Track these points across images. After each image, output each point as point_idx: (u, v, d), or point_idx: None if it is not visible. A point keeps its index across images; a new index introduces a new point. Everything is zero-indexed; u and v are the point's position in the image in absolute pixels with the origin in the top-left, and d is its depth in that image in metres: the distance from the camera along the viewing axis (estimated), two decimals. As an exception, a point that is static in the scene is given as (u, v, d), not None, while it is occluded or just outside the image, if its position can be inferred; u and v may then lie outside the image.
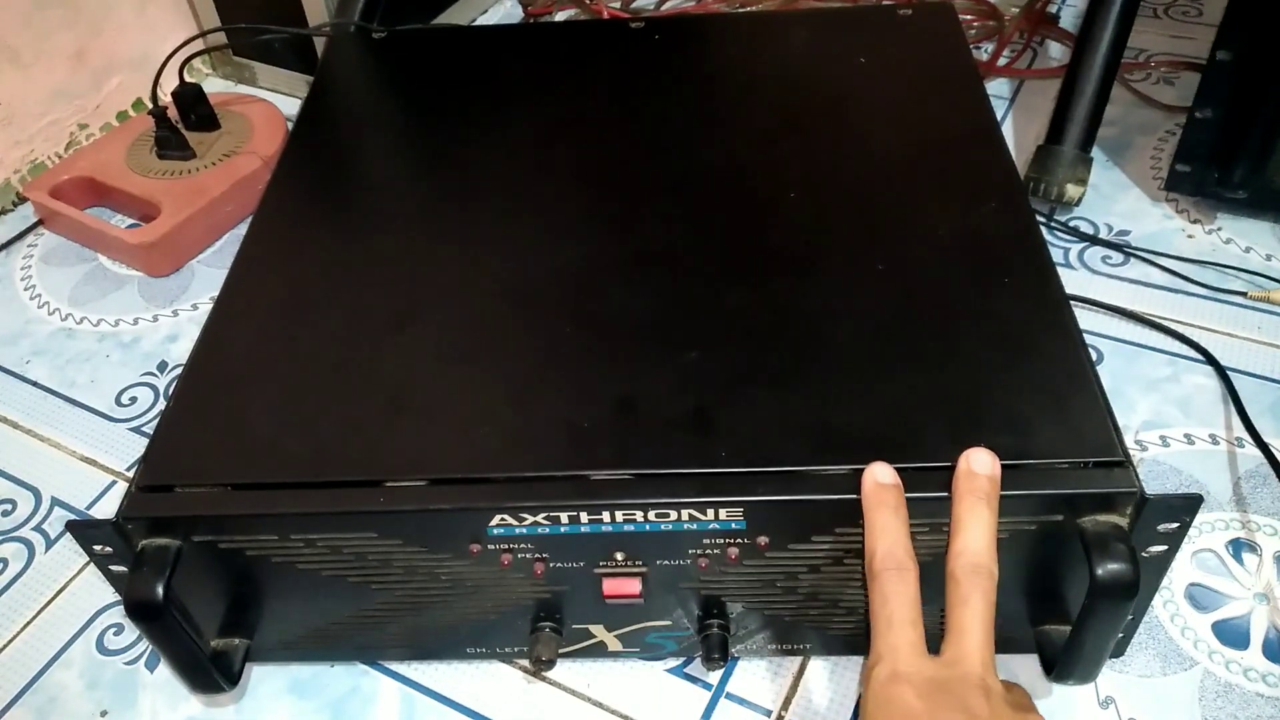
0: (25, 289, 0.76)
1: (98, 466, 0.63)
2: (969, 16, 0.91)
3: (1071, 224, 0.71)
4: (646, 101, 0.64)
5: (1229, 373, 0.60)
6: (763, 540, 0.42)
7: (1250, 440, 0.56)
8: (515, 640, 0.48)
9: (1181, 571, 0.52)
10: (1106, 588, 0.39)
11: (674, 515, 0.41)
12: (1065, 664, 0.44)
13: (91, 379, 0.68)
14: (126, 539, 0.42)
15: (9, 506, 0.61)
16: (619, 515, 0.41)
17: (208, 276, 0.75)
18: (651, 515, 0.41)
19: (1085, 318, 0.63)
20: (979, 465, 0.40)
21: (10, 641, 0.54)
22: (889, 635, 0.39)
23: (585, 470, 0.42)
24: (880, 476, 0.40)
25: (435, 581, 0.45)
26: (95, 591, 0.56)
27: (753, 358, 0.46)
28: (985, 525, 0.39)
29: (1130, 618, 0.45)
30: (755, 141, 0.59)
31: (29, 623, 0.55)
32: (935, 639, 0.42)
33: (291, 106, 0.87)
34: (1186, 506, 0.40)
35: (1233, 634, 0.49)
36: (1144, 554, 0.42)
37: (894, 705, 0.37)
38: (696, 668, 0.50)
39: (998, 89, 0.84)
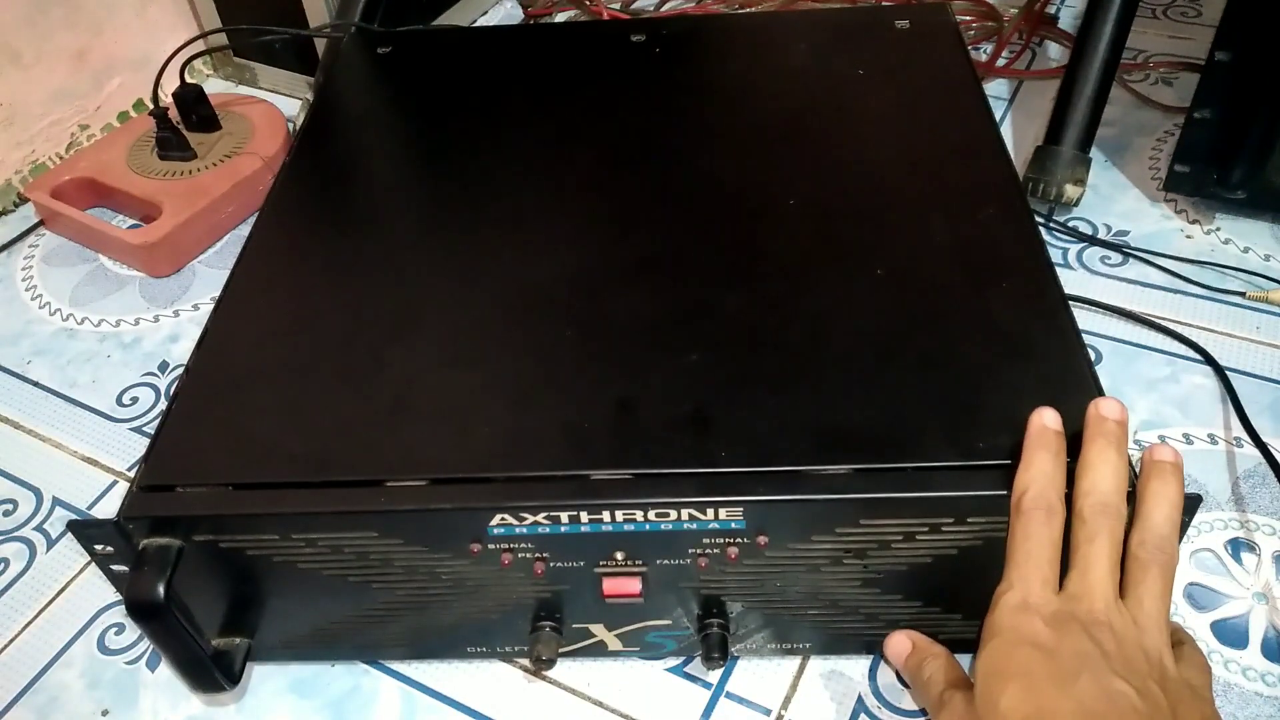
0: (26, 289, 0.76)
1: (99, 466, 0.63)
2: (968, 17, 0.91)
3: (1070, 224, 0.71)
4: (648, 106, 0.64)
5: (1227, 373, 0.60)
6: (762, 540, 0.42)
7: (1249, 440, 0.56)
8: (515, 639, 0.49)
9: (1180, 571, 0.52)
10: (1105, 587, 0.39)
11: (674, 515, 0.41)
12: (1064, 663, 0.44)
13: (93, 379, 0.68)
14: (128, 538, 0.43)
15: (10, 506, 0.61)
16: (619, 515, 0.42)
17: (209, 277, 0.75)
18: (651, 515, 0.41)
19: (1084, 318, 0.63)
20: (1108, 410, 0.41)
21: (11, 641, 0.54)
22: (1025, 567, 0.39)
23: (585, 470, 0.42)
24: (1048, 420, 0.41)
25: (436, 581, 0.45)
26: (96, 591, 0.56)
27: (753, 359, 0.46)
28: (1114, 467, 0.39)
29: (1129, 617, 0.45)
30: (755, 147, 0.60)
31: (30, 622, 0.55)
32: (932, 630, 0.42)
33: (292, 107, 0.88)
34: (1185, 506, 0.40)
35: (1232, 633, 0.50)
36: (1142, 553, 0.42)
37: (1021, 631, 0.38)
38: (696, 667, 0.50)
39: (996, 89, 0.84)
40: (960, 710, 0.41)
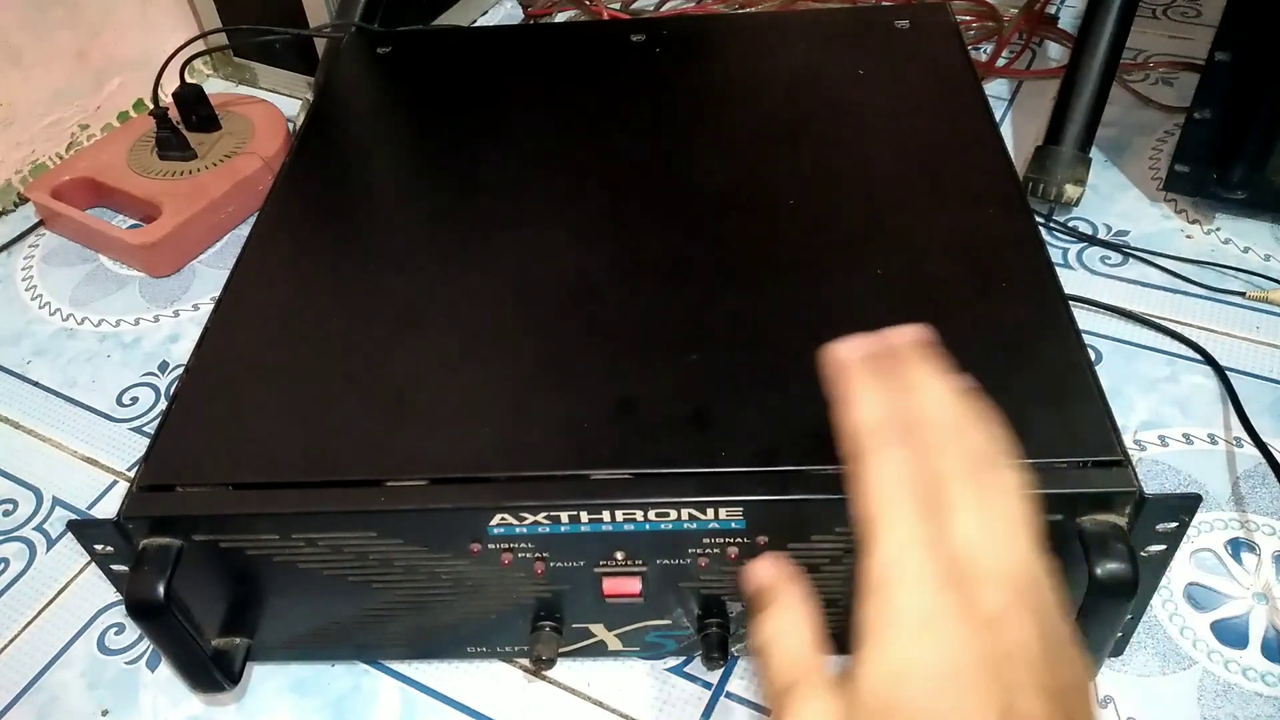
0: (26, 289, 0.76)
1: (99, 466, 0.63)
2: (968, 17, 0.91)
3: (1070, 224, 0.71)
4: (648, 106, 0.64)
5: (1227, 373, 0.60)
6: (762, 540, 0.42)
7: (1249, 440, 0.56)
8: (515, 639, 0.49)
9: (1180, 571, 0.52)
10: (1105, 587, 0.39)
11: (674, 515, 0.41)
12: (1064, 663, 0.44)
13: (93, 379, 0.68)
14: (127, 538, 0.43)
15: (10, 506, 0.61)
16: (619, 515, 0.42)
17: (209, 277, 0.75)
18: (651, 515, 0.41)
19: (1084, 318, 0.63)
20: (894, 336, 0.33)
21: (11, 641, 0.54)
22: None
23: (585, 470, 0.42)
24: (845, 353, 0.33)
25: (436, 581, 0.45)
26: (96, 591, 0.56)
27: (753, 359, 0.46)
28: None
29: (1129, 617, 0.45)
30: (755, 147, 0.60)
31: (30, 622, 0.55)
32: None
33: (292, 107, 0.88)
34: (1185, 506, 0.40)
35: (1232, 633, 0.50)
36: (1143, 553, 0.42)
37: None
38: (696, 667, 0.50)
39: (997, 89, 0.84)
40: None
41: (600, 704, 0.49)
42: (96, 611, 0.55)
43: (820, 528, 0.42)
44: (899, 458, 0.30)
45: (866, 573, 0.29)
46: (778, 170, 0.57)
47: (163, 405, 0.66)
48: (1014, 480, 0.31)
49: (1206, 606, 0.51)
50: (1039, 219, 0.70)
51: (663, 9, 0.99)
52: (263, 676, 0.51)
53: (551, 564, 0.44)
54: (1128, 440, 0.57)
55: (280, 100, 0.89)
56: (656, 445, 0.43)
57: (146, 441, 0.53)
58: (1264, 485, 0.55)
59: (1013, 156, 0.58)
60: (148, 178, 0.78)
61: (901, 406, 0.31)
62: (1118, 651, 0.49)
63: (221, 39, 0.92)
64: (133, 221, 0.80)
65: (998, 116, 0.78)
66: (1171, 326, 0.63)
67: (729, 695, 0.49)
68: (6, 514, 0.61)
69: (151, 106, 0.78)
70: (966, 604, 0.28)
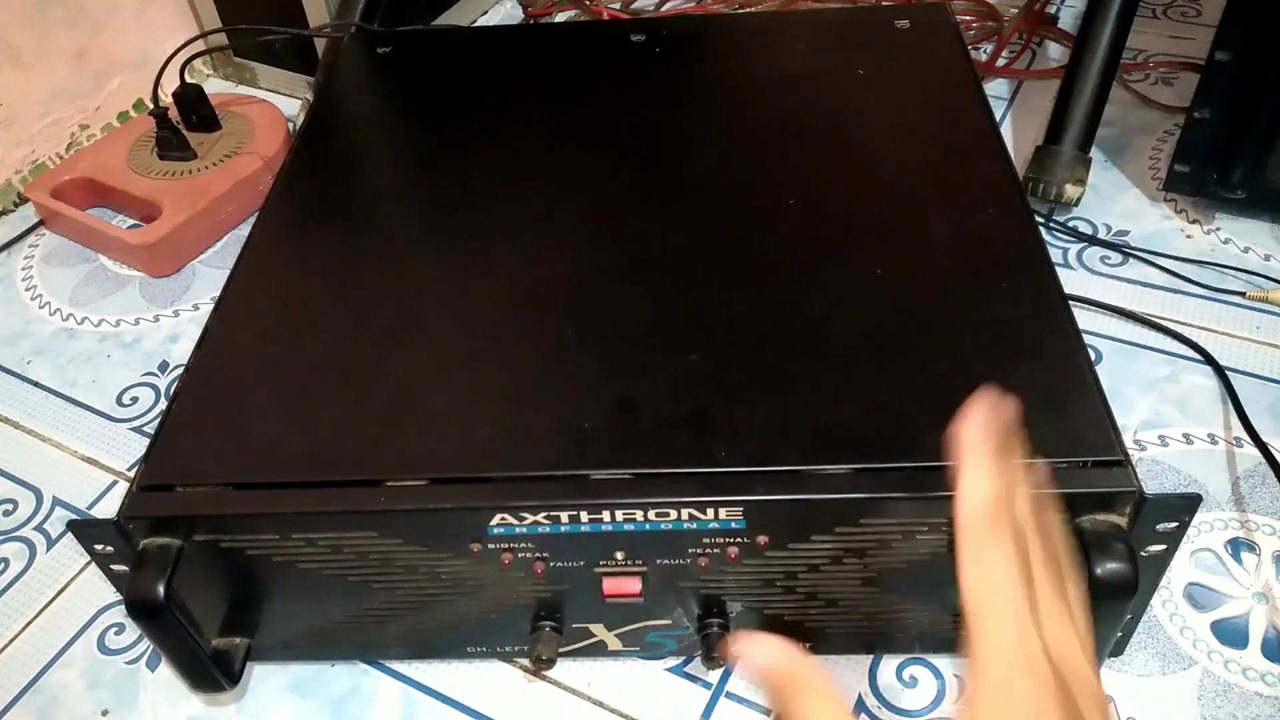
0: (26, 289, 0.76)
1: (99, 466, 0.63)
2: (968, 17, 0.91)
3: (1070, 224, 0.71)
4: (648, 107, 0.64)
5: (1227, 372, 0.60)
6: (762, 540, 0.42)
7: (1249, 440, 0.56)
8: (515, 639, 0.49)
9: (1180, 571, 0.52)
10: (1105, 587, 0.39)
11: (674, 515, 0.41)
12: (1064, 663, 0.44)
13: (93, 379, 0.68)
14: (128, 538, 0.43)
15: (10, 506, 0.61)
16: (619, 515, 0.42)
17: (209, 277, 0.75)
18: (651, 515, 0.41)
19: (1084, 318, 0.63)
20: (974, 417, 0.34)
21: (11, 641, 0.54)
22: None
23: (585, 470, 0.42)
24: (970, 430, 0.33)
25: (435, 581, 0.45)
26: (96, 591, 0.56)
27: (753, 359, 0.46)
28: (984, 469, 0.32)
29: (1129, 617, 0.45)
30: (756, 147, 0.60)
31: (30, 622, 0.55)
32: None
33: (292, 107, 0.88)
34: (1185, 506, 0.40)
35: (1232, 633, 0.50)
36: (1143, 553, 0.42)
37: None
38: (696, 667, 0.50)
39: (996, 89, 0.84)
40: None
41: (600, 704, 0.49)
42: (96, 611, 0.55)
43: (820, 528, 0.42)
44: (1009, 554, 0.31)
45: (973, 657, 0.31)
46: (777, 170, 0.57)
47: (163, 405, 0.66)
48: (1083, 593, 0.34)
49: (1206, 606, 0.51)
50: (1039, 219, 0.70)
51: (663, 9, 0.99)
52: (263, 676, 0.51)
53: (551, 564, 0.44)
54: (1128, 440, 0.57)
55: (280, 100, 0.89)
56: (656, 445, 0.43)
57: (146, 441, 0.53)
58: (1264, 485, 0.55)
59: (1013, 156, 0.58)
60: (148, 178, 0.78)
61: (1008, 498, 0.33)
62: (1118, 651, 0.49)
63: (221, 39, 0.92)
64: (133, 221, 0.80)
65: (998, 116, 0.78)
66: (1171, 326, 0.63)
67: (729, 695, 0.49)
68: (6, 514, 0.61)
69: (151, 106, 0.78)
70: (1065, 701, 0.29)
